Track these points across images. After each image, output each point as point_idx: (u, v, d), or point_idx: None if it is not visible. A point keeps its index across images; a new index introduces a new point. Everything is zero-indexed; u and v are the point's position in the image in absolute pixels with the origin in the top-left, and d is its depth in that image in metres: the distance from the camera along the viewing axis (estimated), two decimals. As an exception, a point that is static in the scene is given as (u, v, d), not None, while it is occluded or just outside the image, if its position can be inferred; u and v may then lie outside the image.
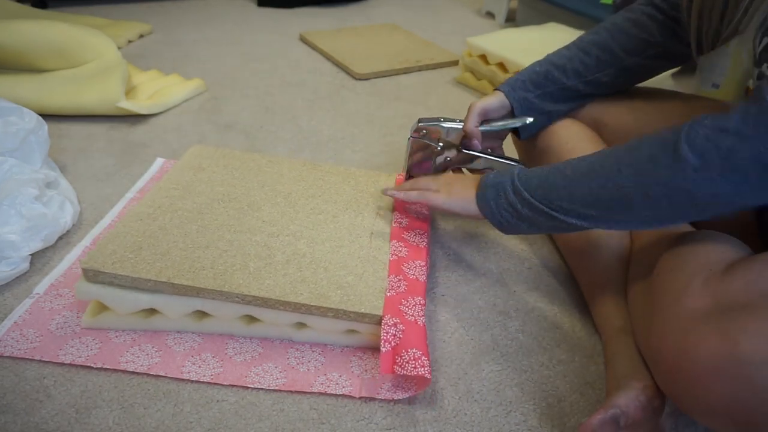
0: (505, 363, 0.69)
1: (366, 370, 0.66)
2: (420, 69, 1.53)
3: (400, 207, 0.85)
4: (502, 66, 1.34)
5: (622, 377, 0.60)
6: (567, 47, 0.83)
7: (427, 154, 0.85)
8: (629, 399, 0.56)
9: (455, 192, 0.72)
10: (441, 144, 0.84)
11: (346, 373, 0.66)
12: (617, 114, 0.82)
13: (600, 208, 0.59)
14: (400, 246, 0.77)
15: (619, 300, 0.70)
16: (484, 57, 1.37)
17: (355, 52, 1.57)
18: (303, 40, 1.70)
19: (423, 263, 0.75)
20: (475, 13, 2.06)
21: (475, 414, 0.63)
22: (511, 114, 0.83)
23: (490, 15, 2.02)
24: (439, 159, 0.85)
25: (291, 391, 0.64)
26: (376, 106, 1.31)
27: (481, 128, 0.82)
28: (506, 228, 0.68)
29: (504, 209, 0.67)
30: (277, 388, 0.64)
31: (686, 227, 0.70)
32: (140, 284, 0.65)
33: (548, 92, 0.82)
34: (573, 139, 0.82)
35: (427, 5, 2.13)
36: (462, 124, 0.83)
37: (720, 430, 0.50)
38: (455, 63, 1.56)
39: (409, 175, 0.87)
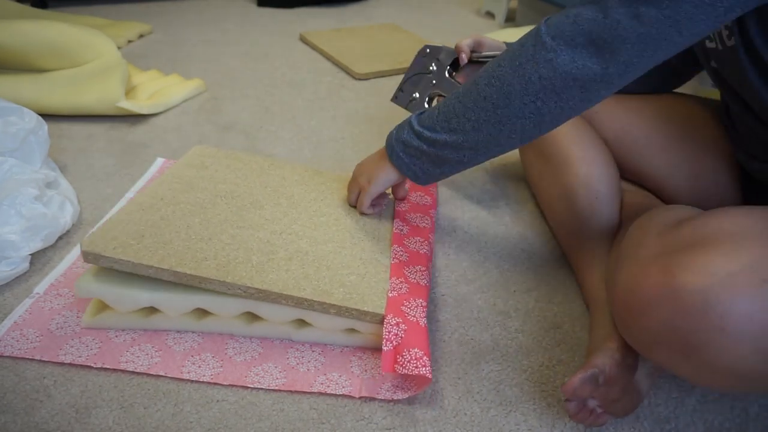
0: (505, 363, 0.69)
1: (366, 370, 0.66)
2: (420, 69, 1.53)
3: (400, 215, 0.85)
4: (502, 66, 1.33)
5: (600, 340, 0.64)
6: None
7: (421, 74, 0.93)
8: (605, 358, 0.59)
9: (372, 173, 0.77)
10: (434, 66, 0.92)
11: (346, 373, 0.66)
12: (608, 110, 0.85)
13: (488, 110, 0.63)
14: (401, 251, 0.77)
15: (604, 275, 0.74)
16: (484, 57, 1.37)
17: (355, 52, 1.57)
18: (303, 40, 1.70)
19: (423, 268, 0.76)
20: (475, 13, 2.06)
21: (475, 414, 0.63)
22: None
23: (490, 15, 2.02)
24: (427, 80, 0.93)
25: (291, 391, 0.64)
26: (376, 106, 1.31)
27: (473, 54, 0.91)
28: (421, 177, 0.73)
29: (413, 157, 0.71)
30: (277, 388, 0.64)
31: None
32: (141, 270, 0.64)
33: None
34: (565, 128, 0.84)
35: (427, 5, 2.13)
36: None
37: (661, 361, 0.54)
38: (455, 63, 1.56)
39: (401, 87, 0.96)
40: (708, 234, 0.53)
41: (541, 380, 0.67)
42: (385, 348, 0.63)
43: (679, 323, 0.49)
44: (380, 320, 0.65)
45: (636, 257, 0.57)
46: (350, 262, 0.72)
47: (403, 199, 0.89)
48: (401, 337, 0.63)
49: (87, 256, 0.64)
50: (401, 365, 0.61)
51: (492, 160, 1.10)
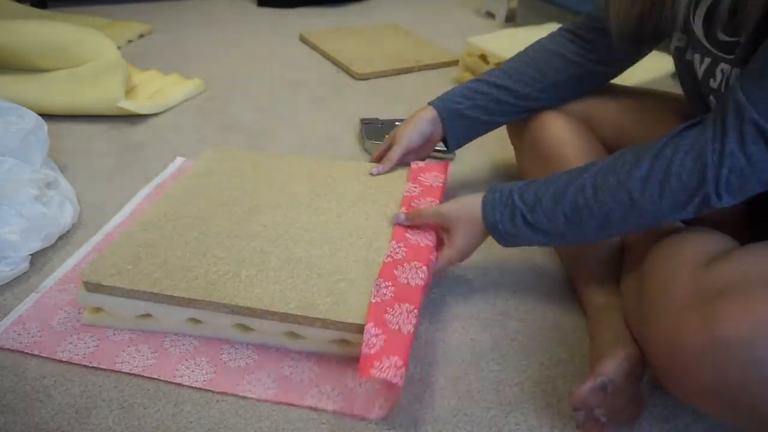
0: (505, 363, 0.69)
1: (360, 384, 0.65)
2: (420, 69, 1.53)
3: (408, 203, 0.82)
4: (502, 66, 1.33)
5: (607, 347, 0.62)
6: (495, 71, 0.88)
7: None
8: (614, 367, 0.59)
9: (465, 238, 0.73)
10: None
11: (338, 387, 0.64)
12: (606, 110, 0.85)
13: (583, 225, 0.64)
14: (400, 247, 0.74)
15: (603, 279, 0.73)
16: (484, 57, 1.37)
17: (355, 52, 1.57)
18: (303, 40, 1.70)
19: (421, 264, 0.72)
20: (475, 13, 2.06)
21: (475, 414, 0.63)
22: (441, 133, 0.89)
23: (490, 15, 2.02)
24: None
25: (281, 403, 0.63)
26: (376, 106, 1.31)
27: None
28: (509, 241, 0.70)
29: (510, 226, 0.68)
30: (267, 398, 0.63)
31: (676, 222, 0.72)
32: (137, 296, 0.66)
33: (479, 105, 0.86)
34: (562, 131, 0.83)
35: (427, 5, 2.13)
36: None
37: (708, 411, 0.53)
38: (455, 63, 1.56)
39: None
40: (743, 278, 0.51)
41: (541, 380, 0.67)
42: (363, 351, 0.60)
43: (725, 376, 0.47)
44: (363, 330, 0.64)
45: (668, 299, 0.55)
46: (343, 266, 0.71)
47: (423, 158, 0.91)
48: (381, 345, 0.61)
49: (88, 285, 0.66)
50: (378, 370, 0.58)
51: (493, 160, 1.10)
